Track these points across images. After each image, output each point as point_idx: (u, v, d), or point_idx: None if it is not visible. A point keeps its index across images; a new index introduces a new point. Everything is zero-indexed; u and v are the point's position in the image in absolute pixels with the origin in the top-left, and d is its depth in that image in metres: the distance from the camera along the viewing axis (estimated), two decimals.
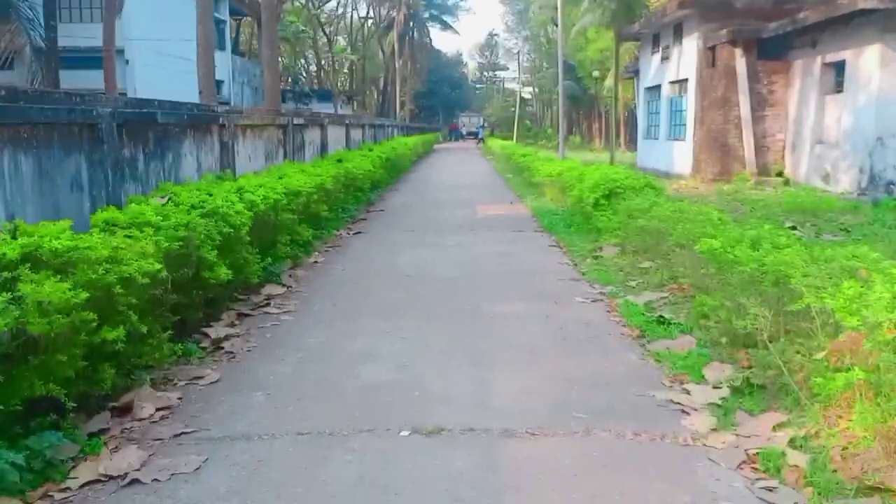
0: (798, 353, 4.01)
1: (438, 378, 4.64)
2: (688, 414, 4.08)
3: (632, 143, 48.05)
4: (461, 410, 4.11)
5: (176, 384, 4.59)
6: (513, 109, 72.96)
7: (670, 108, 19.63)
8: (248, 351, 5.31)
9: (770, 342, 4.45)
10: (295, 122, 11.62)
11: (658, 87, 20.71)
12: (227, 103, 30.64)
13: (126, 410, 4.10)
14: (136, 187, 6.04)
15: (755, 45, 15.77)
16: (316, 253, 9.27)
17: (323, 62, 65.24)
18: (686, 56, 18.04)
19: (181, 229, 4.87)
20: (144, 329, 4.10)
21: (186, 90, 30.17)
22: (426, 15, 64.05)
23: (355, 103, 76.17)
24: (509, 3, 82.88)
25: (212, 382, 4.61)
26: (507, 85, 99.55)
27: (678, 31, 18.76)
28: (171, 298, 4.75)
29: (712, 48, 16.70)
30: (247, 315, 6.31)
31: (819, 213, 11.24)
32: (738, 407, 4.11)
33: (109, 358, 3.98)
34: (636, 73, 23.82)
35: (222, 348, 5.35)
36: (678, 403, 4.22)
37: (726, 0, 16.41)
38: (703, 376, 4.64)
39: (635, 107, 43.62)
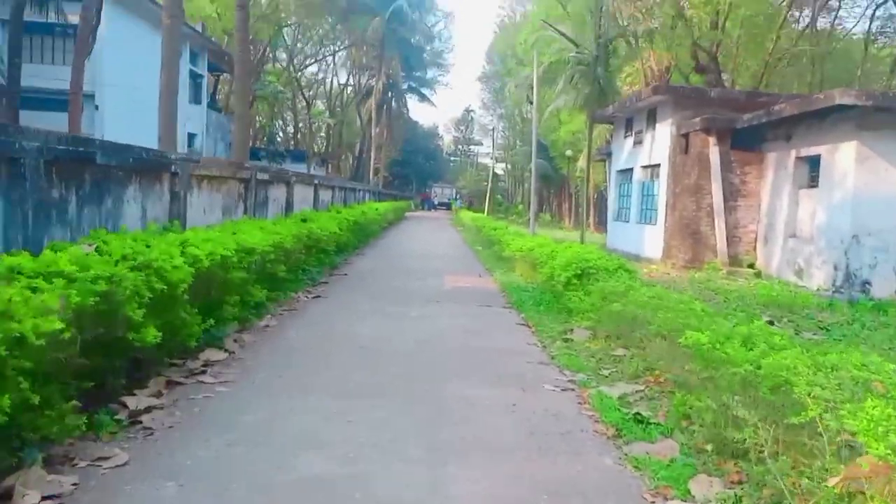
0: (805, 475, 3.46)
1: (387, 476, 3.98)
2: None
3: (601, 224, 48.43)
4: None
5: (75, 465, 3.87)
6: (485, 183, 73.61)
7: (642, 192, 19.59)
8: (170, 427, 4.60)
9: (766, 457, 3.92)
10: (259, 177, 11.10)
11: (630, 170, 20.75)
12: (189, 154, 30.21)
13: (6, 497, 3.37)
14: (63, 232, 5.40)
15: (729, 134, 15.83)
16: (269, 316, 8.59)
17: (300, 124, 65.51)
18: (659, 141, 18.11)
19: (101, 282, 4.22)
20: (36, 399, 3.40)
21: (154, 140, 29.69)
22: (405, 86, 64.93)
23: (330, 166, 76.19)
24: (486, 81, 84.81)
25: (118, 465, 3.89)
26: (481, 160, 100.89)
27: (652, 117, 18.88)
28: (81, 363, 4.06)
29: (686, 135, 16.76)
30: (178, 383, 5.59)
31: (795, 309, 10.92)
32: None
33: None
34: (608, 155, 23.98)
35: (140, 422, 4.63)
36: None
37: (700, 89, 16.60)
38: (689, 492, 4.05)
39: (605, 189, 44.16)
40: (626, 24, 30.41)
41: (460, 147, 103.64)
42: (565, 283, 9.53)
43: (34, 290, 3.69)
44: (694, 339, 4.68)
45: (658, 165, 18.13)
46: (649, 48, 31.93)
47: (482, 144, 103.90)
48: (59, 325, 3.45)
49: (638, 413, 5.37)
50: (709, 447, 4.66)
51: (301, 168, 42.72)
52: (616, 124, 22.35)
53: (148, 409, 4.86)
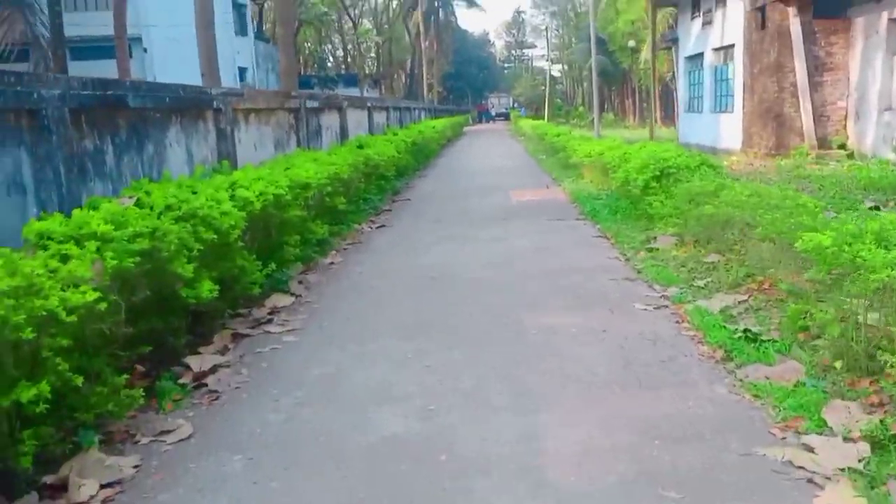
0: None
1: (473, 431, 3.56)
2: (821, 488, 2.94)
3: (667, 118, 46.18)
4: (504, 487, 3.02)
5: (137, 441, 3.58)
6: (542, 88, 71.17)
7: (714, 77, 18.13)
8: (237, 388, 4.29)
9: None
10: (308, 105, 10.58)
11: (700, 55, 19.17)
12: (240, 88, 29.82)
13: (62, 489, 3.10)
14: (104, 186, 5.04)
15: (810, 1, 14.22)
16: (333, 252, 8.23)
17: (349, 46, 64.23)
18: (731, 19, 16.52)
19: (142, 240, 3.84)
20: (79, 381, 3.08)
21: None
22: None
23: (383, 87, 74.99)
24: None
25: (181, 440, 3.59)
26: (536, 63, 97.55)
27: None
28: (128, 331, 3.72)
29: (761, 8, 15.17)
30: (244, 336, 5.30)
31: None
32: (890, 475, 2.95)
33: (33, 422, 2.98)
34: (674, 41, 22.25)
35: (206, 385, 4.34)
36: (802, 468, 3.08)
37: None
38: (824, 422, 3.48)
39: (671, 80, 41.77)
40: None
41: (513, 52, 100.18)
42: (643, 188, 8.78)
43: (64, 257, 3.32)
44: (815, 243, 3.99)
45: (732, 46, 16.63)
46: None
47: (536, 47, 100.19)
48: (92, 296, 3.07)
49: (747, 329, 4.76)
50: (837, 365, 4.06)
51: (354, 92, 41.95)
52: (681, 6, 20.59)
53: (214, 369, 4.56)
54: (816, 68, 14.46)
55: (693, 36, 19.58)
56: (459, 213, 11.24)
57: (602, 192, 11.93)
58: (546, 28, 77.50)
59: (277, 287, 6.37)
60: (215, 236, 4.77)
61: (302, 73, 42.75)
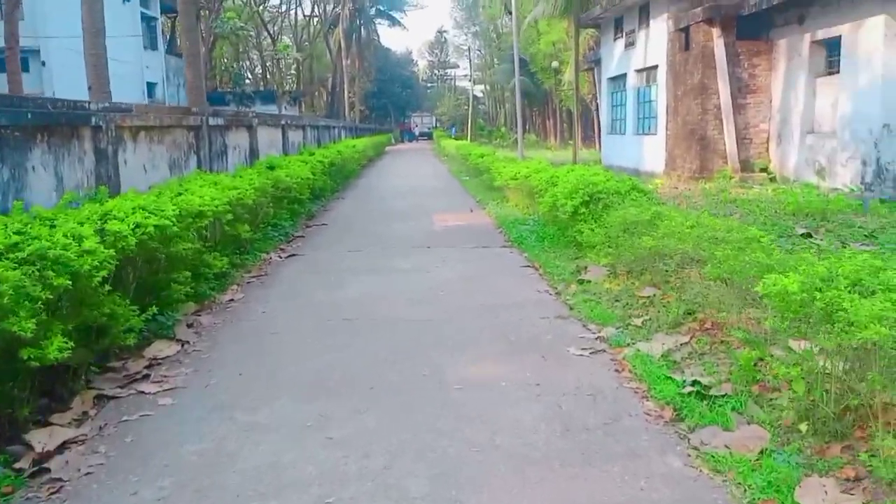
0: None
1: None
2: None
3: (588, 139, 46.86)
4: None
5: None
6: (465, 108, 71.39)
7: (637, 99, 18.11)
8: (87, 474, 3.42)
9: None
10: (212, 122, 9.67)
11: (622, 76, 19.19)
12: (148, 105, 28.16)
13: None
14: None
15: (734, 23, 14.27)
16: (233, 288, 7.36)
17: (268, 63, 62.69)
18: (654, 40, 16.54)
19: None
20: None
21: (118, 93, 27.68)
22: (373, 11, 61.90)
23: (303, 104, 73.53)
24: None
25: None
26: (459, 83, 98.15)
27: (644, 13, 17.22)
28: None
29: (685, 29, 15.18)
30: (111, 398, 4.41)
31: (829, 216, 9.76)
32: None
33: None
34: (596, 63, 22.30)
35: (48, 470, 3.45)
36: None
37: None
38: None
39: (592, 101, 42.41)
40: None
41: (436, 72, 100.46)
42: (571, 213, 8.31)
43: None
44: (779, 287, 3.47)
45: (655, 67, 16.62)
46: None
47: (458, 67, 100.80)
48: None
49: (696, 381, 4.23)
50: (803, 427, 3.56)
51: (271, 109, 40.67)
52: (603, 27, 20.61)
53: (63, 448, 3.68)
54: (740, 90, 14.51)
55: (616, 57, 19.58)
56: (379, 239, 10.52)
57: (528, 217, 11.46)
58: (468, 48, 78.07)
59: (161, 333, 5.50)
60: (70, 281, 3.90)
61: (216, 88, 41.19)
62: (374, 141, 36.80)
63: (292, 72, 70.45)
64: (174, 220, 5.59)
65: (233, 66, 41.81)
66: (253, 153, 12.21)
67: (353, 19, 54.83)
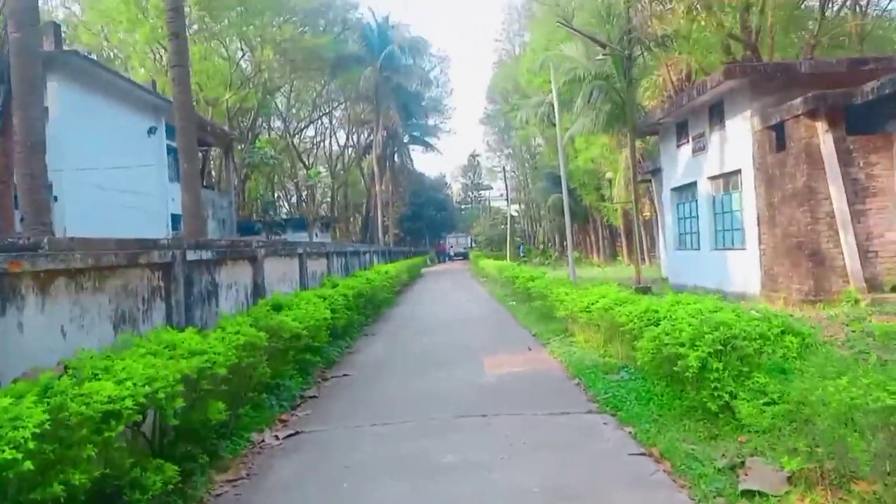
0: None
1: None
2: None
3: (630, 254, 44.26)
4: None
5: None
6: (503, 227, 69.92)
7: (713, 209, 15.58)
8: None
9: None
10: (191, 256, 7.30)
11: (691, 185, 16.76)
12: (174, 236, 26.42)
13: None
14: None
15: (843, 115, 11.84)
16: None
17: (303, 191, 62.47)
18: (733, 142, 14.17)
19: None
20: None
21: (132, 226, 26.20)
22: (406, 137, 61.90)
23: (338, 230, 72.90)
24: (489, 122, 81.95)
25: None
26: (493, 203, 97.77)
27: (716, 114, 14.99)
28: None
29: (778, 126, 12.76)
30: None
31: None
32: None
33: None
34: (654, 173, 20.08)
35: None
36: None
37: (785, 64, 12.75)
38: None
39: (640, 214, 40.06)
40: (642, 27, 26.87)
41: (470, 193, 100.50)
42: (699, 369, 5.57)
43: None
44: None
45: (736, 173, 14.17)
46: (670, 54, 28.45)
47: (492, 188, 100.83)
48: None
49: None
50: None
51: (303, 236, 39.22)
52: (663, 134, 18.44)
53: None
54: (856, 194, 11.88)
55: (681, 165, 17.26)
56: (414, 401, 7.82)
57: (609, 361, 8.75)
58: (503, 168, 77.69)
59: None
60: None
61: (248, 217, 40.10)
62: (408, 264, 34.69)
63: (328, 199, 70.33)
64: (35, 443, 3.02)
65: (262, 195, 40.83)
66: (258, 291, 9.82)
67: (386, 146, 54.56)
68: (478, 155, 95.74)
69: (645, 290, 18.34)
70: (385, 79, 44.19)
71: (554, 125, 21.04)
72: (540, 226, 78.69)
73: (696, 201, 16.34)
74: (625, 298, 8.98)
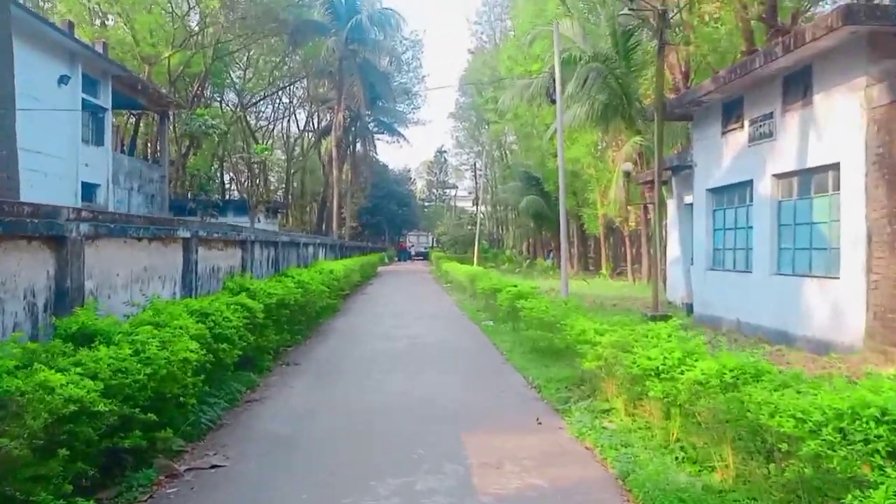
0: None
1: None
2: None
3: (619, 269, 40.43)
4: None
5: None
6: (470, 228, 65.64)
7: (778, 218, 11.31)
8: None
9: None
10: None
11: (743, 185, 12.46)
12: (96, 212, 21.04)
13: None
14: None
15: None
16: None
17: (255, 172, 57.13)
18: (828, 124, 9.94)
19: None
20: None
21: (40, 192, 21.11)
22: (371, 122, 57.06)
23: (291, 218, 67.69)
24: (460, 117, 77.67)
25: None
26: (459, 202, 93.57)
27: (798, 84, 10.71)
28: None
29: None
30: None
31: None
32: None
33: None
34: (674, 170, 15.93)
35: None
36: None
37: None
38: None
39: (624, 223, 36.21)
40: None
41: (434, 191, 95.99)
42: None
43: None
44: None
45: (831, 168, 9.89)
46: (681, 38, 24.55)
47: (457, 188, 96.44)
48: None
49: None
50: None
51: (244, 221, 34.29)
52: (699, 119, 14.17)
53: None
54: None
55: (727, 158, 12.93)
56: None
57: (705, 475, 4.50)
58: (473, 165, 73.47)
59: None
60: None
61: (183, 195, 35.01)
62: (362, 261, 30.11)
63: (283, 185, 65.12)
64: None
65: (203, 172, 35.74)
66: (60, 301, 5.28)
67: (347, 129, 49.73)
68: (445, 151, 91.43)
69: (663, 320, 14.24)
70: (351, 52, 39.42)
71: (553, 103, 16.72)
72: (507, 229, 74.72)
73: (751, 206, 12.12)
74: (752, 366, 4.73)
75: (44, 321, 5.04)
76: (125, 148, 35.93)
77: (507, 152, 66.28)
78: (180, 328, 5.77)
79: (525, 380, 8.93)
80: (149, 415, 4.66)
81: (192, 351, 5.41)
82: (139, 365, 4.62)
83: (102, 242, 6.06)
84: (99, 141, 27.87)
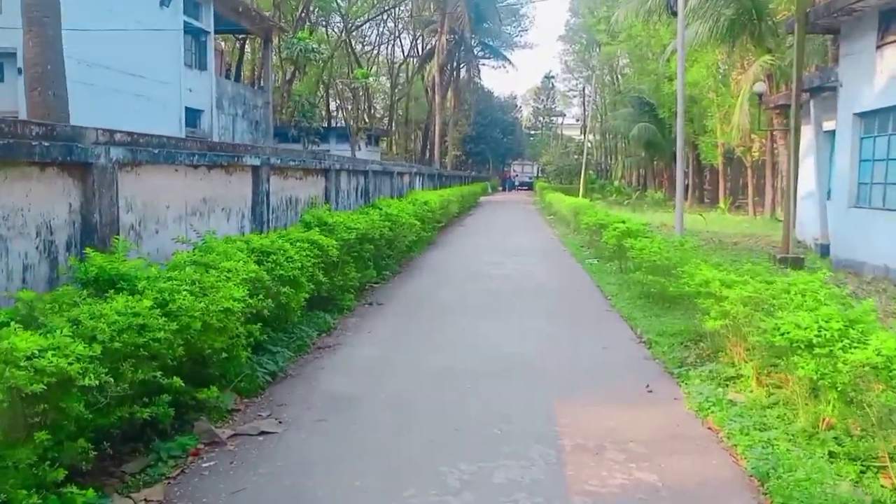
0: None
1: None
2: None
3: (739, 202, 37.61)
4: None
5: None
6: (576, 157, 63.16)
7: None
8: None
9: None
10: None
11: None
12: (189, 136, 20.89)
13: None
14: None
15: None
16: None
17: (359, 97, 56.61)
18: None
19: None
20: None
21: (135, 119, 21.28)
22: (476, 47, 54.84)
23: (395, 146, 67.30)
24: (569, 40, 73.80)
25: None
26: (566, 131, 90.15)
27: None
28: None
29: None
30: None
31: None
32: None
33: None
34: (813, 91, 13.75)
35: None
36: None
37: None
38: None
39: (747, 152, 33.19)
40: None
41: (540, 119, 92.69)
42: None
43: None
44: None
45: None
46: None
47: (564, 115, 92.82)
48: None
49: None
50: None
51: (345, 149, 33.90)
52: (847, 31, 11.99)
53: None
54: None
55: (882, 76, 10.84)
56: None
57: (825, 440, 3.31)
58: (582, 90, 70.03)
59: None
60: None
61: (286, 123, 34.88)
62: (463, 192, 29.11)
63: (387, 112, 64.48)
64: None
65: (307, 99, 35.28)
66: (85, 235, 4.61)
67: (451, 54, 48.00)
68: (553, 76, 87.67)
69: (797, 265, 12.54)
70: None
71: (674, 15, 14.73)
72: (616, 159, 71.43)
73: None
74: None
75: (65, 262, 4.34)
76: (231, 73, 35.98)
77: (619, 77, 62.62)
78: (229, 271, 4.99)
79: (632, 332, 7.78)
80: (174, 379, 3.89)
81: (236, 300, 4.61)
82: (163, 319, 3.83)
83: (146, 170, 5.30)
84: (202, 65, 27.83)
